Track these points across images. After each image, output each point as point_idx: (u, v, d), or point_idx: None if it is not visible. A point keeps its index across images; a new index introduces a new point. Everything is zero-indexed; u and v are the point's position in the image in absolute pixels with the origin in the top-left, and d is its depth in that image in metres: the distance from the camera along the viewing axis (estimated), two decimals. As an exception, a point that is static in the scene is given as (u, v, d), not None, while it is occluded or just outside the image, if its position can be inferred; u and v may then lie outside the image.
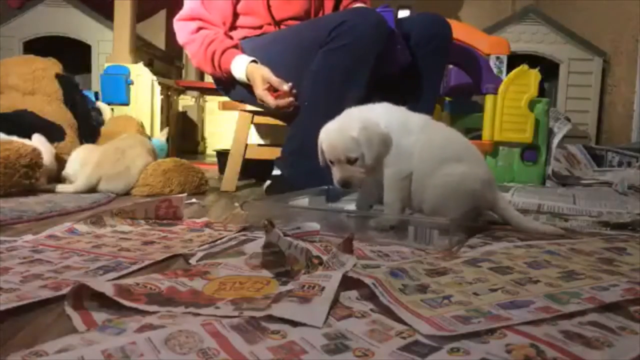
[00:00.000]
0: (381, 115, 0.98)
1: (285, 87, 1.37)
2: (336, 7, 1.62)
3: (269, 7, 1.51)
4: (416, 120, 1.01)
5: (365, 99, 1.39)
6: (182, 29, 1.52)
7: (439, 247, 0.83)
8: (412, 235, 0.87)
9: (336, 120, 0.99)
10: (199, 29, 1.49)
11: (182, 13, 1.53)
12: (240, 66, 1.44)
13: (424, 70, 1.49)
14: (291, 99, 1.38)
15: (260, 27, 1.54)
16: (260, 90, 1.40)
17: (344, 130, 0.95)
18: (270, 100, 1.39)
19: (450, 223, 0.85)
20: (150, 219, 1.03)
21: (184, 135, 3.26)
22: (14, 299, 0.55)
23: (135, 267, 0.71)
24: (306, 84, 1.37)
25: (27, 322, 0.51)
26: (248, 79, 1.44)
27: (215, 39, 1.47)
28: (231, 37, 1.52)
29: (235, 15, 1.54)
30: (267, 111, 1.68)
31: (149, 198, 1.34)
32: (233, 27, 1.56)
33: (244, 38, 1.54)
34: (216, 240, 0.88)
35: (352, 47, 1.31)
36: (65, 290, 0.58)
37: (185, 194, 1.18)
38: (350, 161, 0.95)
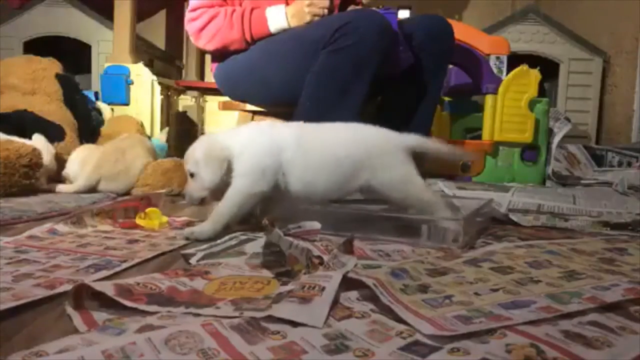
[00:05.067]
0: (241, 139, 0.96)
1: None
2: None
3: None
4: (287, 135, 0.97)
5: (366, 100, 1.40)
6: (204, 14, 1.48)
7: (453, 246, 0.83)
8: (425, 234, 0.87)
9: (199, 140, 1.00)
10: (220, 6, 1.49)
11: (196, 2, 1.50)
12: (277, 11, 1.45)
13: (426, 72, 1.49)
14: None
15: None
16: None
17: (192, 149, 0.98)
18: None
19: (462, 220, 0.85)
20: (131, 218, 1.03)
21: (184, 136, 3.25)
22: (10, 298, 0.55)
23: (126, 265, 0.71)
24: (308, 85, 1.37)
25: (27, 322, 0.51)
26: (288, 20, 1.44)
27: (236, 9, 1.48)
28: None
29: None
30: (267, 110, 1.68)
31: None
32: None
33: None
34: (216, 240, 0.88)
35: (356, 48, 1.31)
36: (60, 289, 0.59)
37: (164, 191, 1.18)
38: (192, 175, 0.97)
